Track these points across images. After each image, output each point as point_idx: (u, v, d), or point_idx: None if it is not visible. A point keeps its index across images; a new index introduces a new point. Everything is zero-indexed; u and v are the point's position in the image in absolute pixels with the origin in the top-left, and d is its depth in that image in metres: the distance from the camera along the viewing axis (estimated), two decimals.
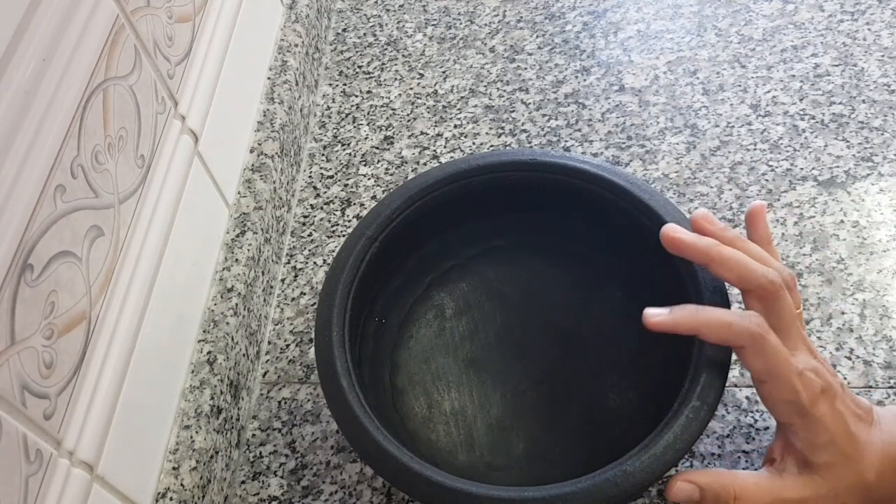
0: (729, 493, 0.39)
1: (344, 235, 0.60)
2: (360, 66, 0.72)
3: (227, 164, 0.55)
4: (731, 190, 0.58)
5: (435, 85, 0.69)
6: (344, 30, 0.75)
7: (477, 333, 0.52)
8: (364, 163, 0.64)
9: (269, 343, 0.56)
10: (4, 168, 0.33)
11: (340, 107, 0.69)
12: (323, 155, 0.66)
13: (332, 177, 0.64)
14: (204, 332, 0.49)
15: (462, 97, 0.67)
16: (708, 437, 0.48)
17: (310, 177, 0.64)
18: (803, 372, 0.38)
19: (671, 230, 0.41)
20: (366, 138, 0.66)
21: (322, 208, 0.62)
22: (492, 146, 0.64)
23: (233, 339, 0.50)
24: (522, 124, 0.65)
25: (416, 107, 0.68)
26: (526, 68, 0.69)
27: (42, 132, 0.35)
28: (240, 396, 0.51)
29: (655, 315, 0.39)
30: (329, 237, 0.60)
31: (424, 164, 0.63)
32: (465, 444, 0.47)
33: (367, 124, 0.67)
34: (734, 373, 0.50)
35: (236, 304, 0.51)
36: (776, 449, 0.41)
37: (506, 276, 0.53)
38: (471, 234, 0.53)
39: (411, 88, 0.69)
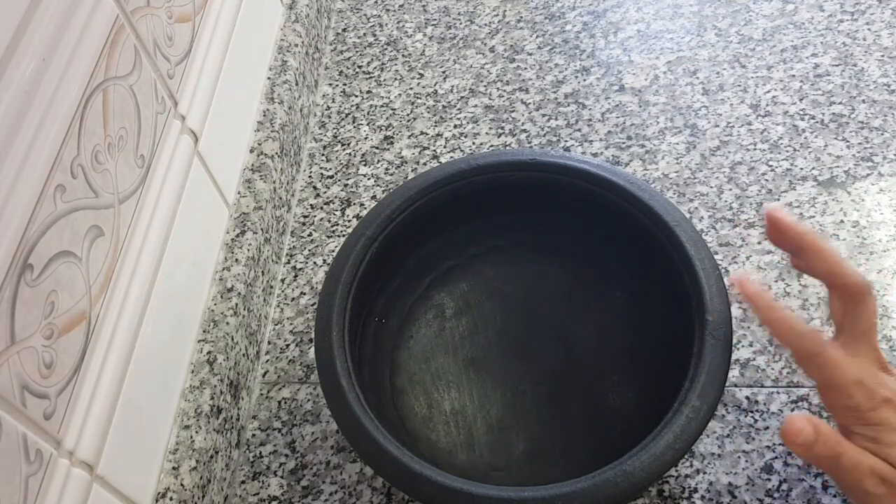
0: (835, 438, 0.38)
1: (344, 235, 0.60)
2: (360, 66, 0.72)
3: (227, 164, 0.55)
4: (731, 190, 0.58)
5: (435, 85, 0.69)
6: (344, 30, 0.75)
7: (477, 333, 0.52)
8: (364, 163, 0.64)
9: (269, 343, 0.56)
10: (4, 168, 0.33)
11: (340, 107, 0.69)
12: (323, 155, 0.66)
13: (332, 177, 0.64)
14: (204, 332, 0.49)
15: (462, 97, 0.67)
16: (708, 437, 0.48)
17: (310, 177, 0.64)
18: (862, 381, 0.38)
19: (776, 209, 0.41)
20: (366, 138, 0.66)
21: (322, 208, 0.62)
22: (492, 146, 0.64)
23: (233, 339, 0.50)
24: (522, 124, 0.65)
25: (416, 107, 0.68)
26: (526, 68, 0.69)
27: (42, 132, 0.35)
28: (240, 396, 0.51)
29: (739, 281, 0.40)
30: (329, 237, 0.60)
31: (424, 164, 0.63)
32: (465, 444, 0.47)
33: (367, 124, 0.67)
34: (734, 373, 0.50)
35: (236, 304, 0.51)
36: None
37: (506, 276, 0.53)
38: (471, 234, 0.53)
39: (411, 88, 0.69)
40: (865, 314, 0.39)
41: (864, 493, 0.39)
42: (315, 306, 0.55)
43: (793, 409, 0.48)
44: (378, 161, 0.64)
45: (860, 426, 0.39)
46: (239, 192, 0.57)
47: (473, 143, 0.64)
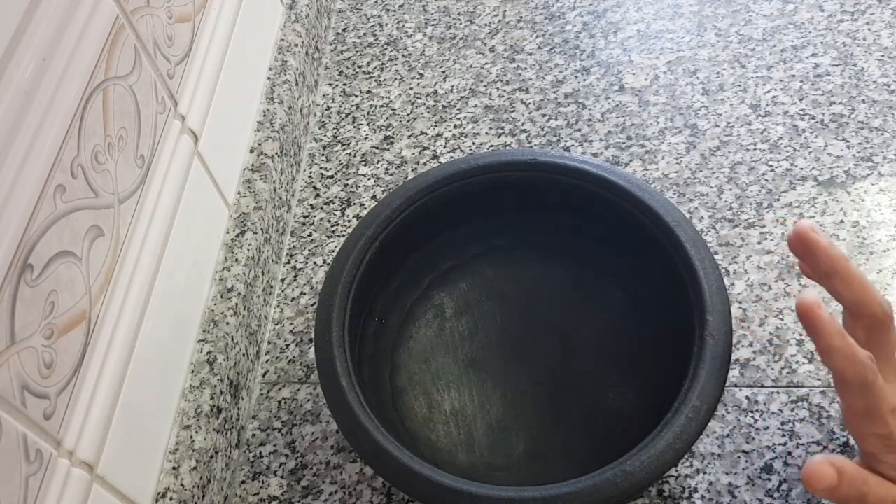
0: (861, 477, 0.38)
1: (344, 235, 0.60)
2: (360, 66, 0.72)
3: (227, 164, 0.55)
4: (731, 190, 0.58)
5: (435, 85, 0.69)
6: (344, 30, 0.75)
7: (477, 333, 0.52)
8: (364, 163, 0.64)
9: (269, 343, 0.56)
10: (4, 168, 0.33)
11: (340, 107, 0.69)
12: (323, 155, 0.66)
13: (332, 177, 0.64)
14: (204, 332, 0.49)
15: (462, 97, 0.67)
16: (708, 437, 0.48)
17: (310, 177, 0.64)
18: None
19: (810, 228, 0.38)
20: (366, 138, 0.66)
21: (322, 208, 0.62)
22: (492, 146, 0.64)
23: (233, 339, 0.50)
24: (522, 124, 0.65)
25: (416, 107, 0.68)
26: (526, 68, 0.69)
27: (42, 132, 0.35)
28: (240, 396, 0.51)
29: (815, 304, 0.37)
30: (329, 237, 0.60)
31: (424, 164, 0.63)
32: (465, 444, 0.47)
33: (367, 124, 0.67)
34: (734, 373, 0.50)
35: (236, 304, 0.51)
36: (861, 466, 0.39)
37: (506, 276, 0.53)
38: (471, 234, 0.53)
39: (411, 88, 0.69)
40: (890, 341, 0.38)
41: None
42: (315, 306, 0.55)
43: (793, 410, 0.48)
44: (378, 161, 0.64)
45: (889, 455, 0.38)
46: (239, 192, 0.57)
47: (473, 143, 0.64)
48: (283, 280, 0.59)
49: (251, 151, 0.59)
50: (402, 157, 0.64)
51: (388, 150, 0.65)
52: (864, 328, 0.39)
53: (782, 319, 0.51)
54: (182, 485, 0.43)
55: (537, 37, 0.71)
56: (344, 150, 0.66)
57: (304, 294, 0.58)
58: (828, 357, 0.37)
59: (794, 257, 0.53)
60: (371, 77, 0.71)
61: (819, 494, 0.38)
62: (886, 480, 0.38)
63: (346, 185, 0.63)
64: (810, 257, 0.39)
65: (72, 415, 0.37)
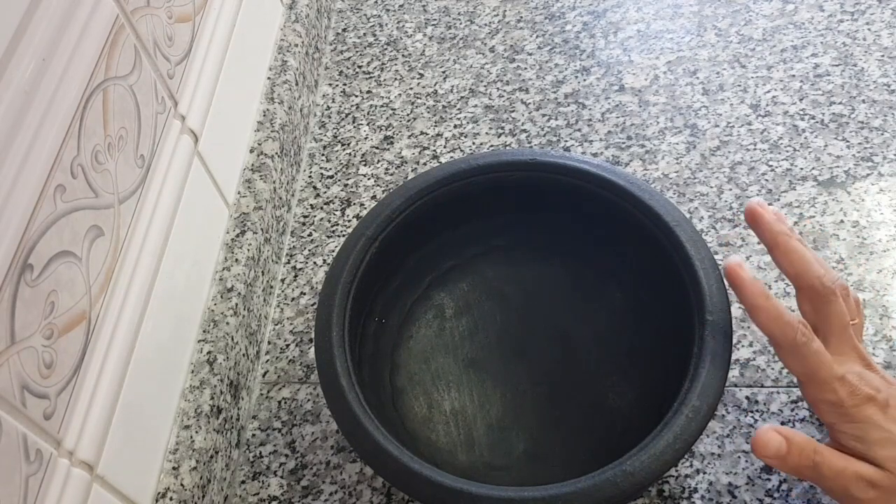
0: (810, 447, 0.38)
1: (344, 235, 0.60)
2: (360, 66, 0.72)
3: (227, 164, 0.55)
4: (730, 190, 0.58)
5: (435, 85, 0.69)
6: (344, 30, 0.75)
7: (477, 333, 0.52)
8: (364, 163, 0.64)
9: (269, 343, 0.56)
10: (4, 168, 0.33)
11: (340, 107, 0.69)
12: (323, 155, 0.66)
13: (332, 177, 0.64)
14: (204, 332, 0.49)
15: (462, 97, 0.67)
16: (708, 437, 0.48)
17: (310, 177, 0.64)
18: (845, 377, 0.38)
19: (758, 203, 0.42)
20: (366, 138, 0.66)
21: (322, 208, 0.62)
22: (492, 146, 0.64)
23: (233, 339, 0.50)
24: (522, 124, 0.65)
25: (416, 107, 0.68)
26: (526, 68, 0.69)
27: (42, 132, 0.35)
28: (240, 396, 0.51)
29: (736, 264, 0.40)
30: (329, 237, 0.60)
31: (424, 164, 0.63)
32: (465, 444, 0.47)
33: (367, 124, 0.67)
34: (734, 373, 0.50)
35: (236, 304, 0.51)
36: (832, 447, 0.40)
37: (506, 276, 0.53)
38: (471, 234, 0.53)
39: (411, 88, 0.69)
40: (835, 314, 0.40)
41: (853, 499, 0.38)
42: (315, 306, 0.55)
43: (793, 409, 0.48)
44: (378, 161, 0.64)
45: (845, 424, 0.38)
46: (239, 192, 0.57)
47: (473, 143, 0.64)
48: (283, 280, 0.59)
49: (251, 151, 0.59)
50: (402, 157, 0.64)
51: (388, 150, 0.65)
52: (808, 300, 0.40)
53: None
54: (182, 485, 0.43)
55: (537, 37, 0.71)
56: (344, 150, 0.66)
57: (304, 294, 0.58)
58: (755, 316, 0.39)
59: None
60: (371, 77, 0.71)
61: (769, 463, 0.39)
62: (844, 453, 0.39)
63: (346, 185, 0.63)
64: (757, 229, 0.42)
65: (72, 415, 0.37)
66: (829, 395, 0.38)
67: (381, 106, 0.68)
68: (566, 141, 0.63)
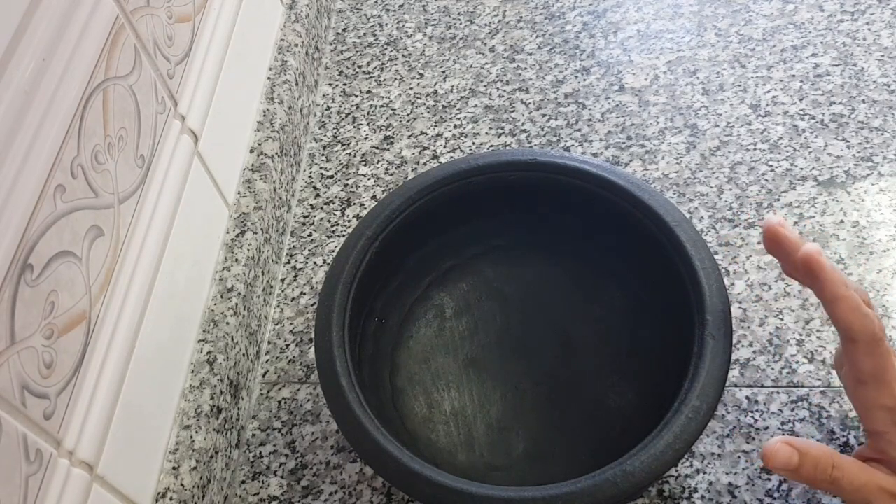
0: (828, 461, 0.37)
1: (344, 235, 0.60)
2: (360, 66, 0.72)
3: (227, 164, 0.55)
4: (731, 190, 0.58)
5: (435, 85, 0.69)
6: (344, 30, 0.75)
7: (477, 333, 0.52)
8: (364, 163, 0.64)
9: (269, 343, 0.56)
10: (4, 168, 0.33)
11: (340, 107, 0.69)
12: (323, 155, 0.66)
13: (332, 177, 0.64)
14: (204, 332, 0.49)
15: (462, 97, 0.67)
16: (708, 437, 0.48)
17: (310, 177, 0.64)
18: None
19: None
20: (366, 138, 0.66)
21: (322, 208, 0.62)
22: (492, 146, 0.64)
23: (233, 339, 0.50)
24: (522, 124, 0.65)
25: (416, 107, 0.68)
26: (526, 68, 0.69)
27: (42, 132, 0.35)
28: (240, 396, 0.51)
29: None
30: (329, 237, 0.60)
31: (424, 164, 0.63)
32: (465, 444, 0.47)
33: (367, 124, 0.67)
34: (734, 373, 0.50)
35: (236, 304, 0.51)
36: (866, 453, 0.39)
37: (506, 276, 0.53)
38: (471, 234, 0.53)
39: (411, 88, 0.69)
40: (887, 361, 0.37)
41: None
42: (315, 306, 0.55)
43: (793, 410, 0.48)
44: (378, 161, 0.64)
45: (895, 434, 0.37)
46: (239, 192, 0.57)
47: (473, 143, 0.64)
48: (283, 280, 0.59)
49: (251, 151, 0.59)
50: (402, 157, 0.64)
51: (388, 150, 0.65)
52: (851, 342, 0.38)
53: (782, 319, 0.51)
54: (182, 485, 0.43)
55: (537, 37, 0.71)
56: (344, 150, 0.66)
57: (304, 294, 0.58)
58: (833, 307, 0.36)
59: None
60: (371, 77, 0.71)
61: (781, 473, 0.38)
62: (869, 466, 0.38)
63: (346, 185, 0.63)
64: (813, 284, 0.37)
65: (72, 415, 0.37)
66: (888, 401, 0.36)
67: (381, 106, 0.68)
68: (566, 141, 0.63)
